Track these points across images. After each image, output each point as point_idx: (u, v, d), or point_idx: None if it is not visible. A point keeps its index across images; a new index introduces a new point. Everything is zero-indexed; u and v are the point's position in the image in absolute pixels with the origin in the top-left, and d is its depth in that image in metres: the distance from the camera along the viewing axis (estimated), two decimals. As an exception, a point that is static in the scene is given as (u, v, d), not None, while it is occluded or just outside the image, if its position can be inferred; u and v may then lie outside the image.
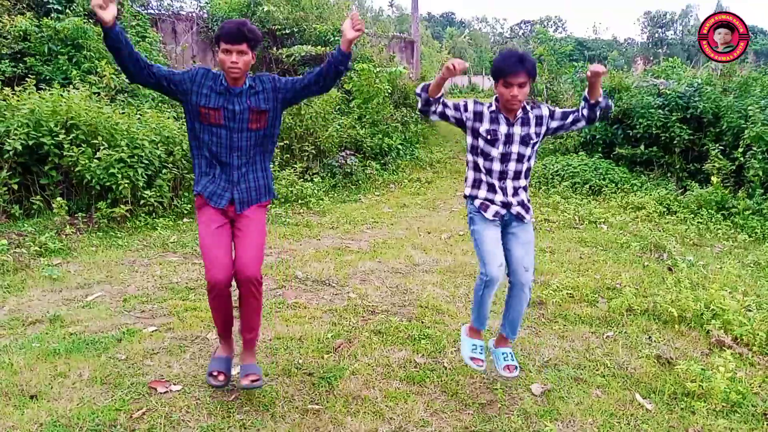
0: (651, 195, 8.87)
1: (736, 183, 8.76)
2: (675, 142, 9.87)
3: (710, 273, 5.58)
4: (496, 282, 3.29)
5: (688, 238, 7.18)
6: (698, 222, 7.82)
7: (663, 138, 10.05)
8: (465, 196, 3.46)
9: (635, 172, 10.21)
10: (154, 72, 3.12)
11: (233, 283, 3.22)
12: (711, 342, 4.14)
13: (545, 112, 3.33)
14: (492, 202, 3.32)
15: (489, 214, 3.31)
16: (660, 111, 10.13)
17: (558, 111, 3.37)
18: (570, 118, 3.33)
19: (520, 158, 3.28)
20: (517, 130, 3.25)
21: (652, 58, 30.37)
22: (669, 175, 9.95)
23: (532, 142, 3.28)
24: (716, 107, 9.70)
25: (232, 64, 3.02)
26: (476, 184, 3.37)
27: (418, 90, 3.27)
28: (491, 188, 3.32)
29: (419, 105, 3.30)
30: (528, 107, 3.30)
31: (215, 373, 3.28)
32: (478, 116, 3.28)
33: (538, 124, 3.29)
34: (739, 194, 8.26)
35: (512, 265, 3.38)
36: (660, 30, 63.68)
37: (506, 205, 3.32)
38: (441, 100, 3.25)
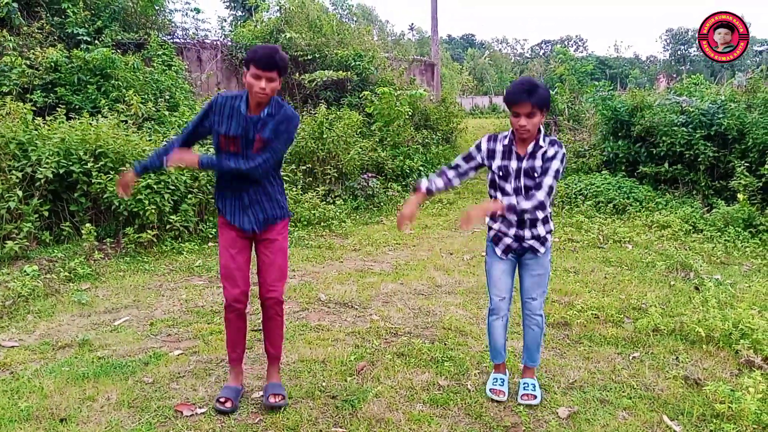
0: (676, 213, 8.76)
1: (764, 200, 8.62)
2: (699, 159, 9.75)
3: (738, 292, 5.48)
4: (498, 311, 3.49)
5: (715, 256, 7.07)
6: (725, 240, 7.70)
7: (687, 155, 9.95)
8: (488, 226, 3.54)
9: (660, 190, 10.10)
10: (191, 135, 3.33)
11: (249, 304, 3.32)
12: (740, 362, 4.06)
13: (551, 152, 3.24)
14: (505, 234, 3.39)
15: (499, 250, 3.43)
16: (683, 128, 10.04)
17: (551, 164, 3.21)
18: (537, 179, 3.25)
19: (527, 191, 3.27)
20: (524, 164, 3.26)
21: (674, 76, 30.16)
22: (694, 192, 9.81)
23: (535, 174, 3.24)
24: (741, 124, 9.58)
25: (260, 90, 3.08)
26: (493, 216, 3.42)
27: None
28: (506, 221, 3.37)
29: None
30: (544, 142, 3.26)
31: (222, 399, 3.40)
32: (491, 153, 3.35)
33: (546, 159, 3.24)
34: (766, 211, 8.12)
35: (522, 295, 3.52)
36: (682, 47, 63.26)
37: (519, 239, 3.36)
38: (448, 169, 3.47)
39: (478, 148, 3.39)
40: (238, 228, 3.32)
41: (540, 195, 3.16)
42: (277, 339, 3.55)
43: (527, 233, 3.35)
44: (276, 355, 3.58)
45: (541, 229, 3.37)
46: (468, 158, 3.44)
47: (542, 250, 3.40)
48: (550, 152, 3.24)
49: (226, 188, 3.32)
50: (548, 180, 3.19)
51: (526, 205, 3.16)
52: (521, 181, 3.28)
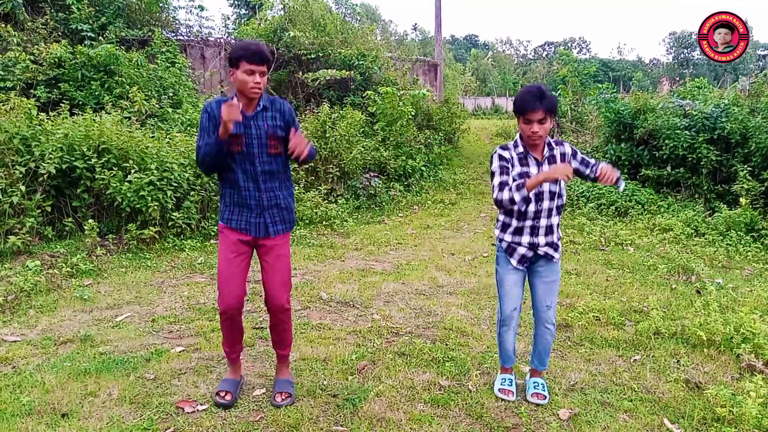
0: (678, 216, 8.76)
1: (766, 204, 8.62)
2: (702, 163, 9.76)
3: (740, 296, 5.48)
4: (510, 322, 3.49)
5: (717, 260, 7.07)
6: (727, 244, 7.70)
7: (690, 159, 9.95)
8: (497, 238, 3.52)
9: (662, 193, 10.10)
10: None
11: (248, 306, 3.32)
12: (741, 366, 4.06)
13: (568, 150, 3.39)
14: (519, 244, 3.38)
15: (514, 261, 3.41)
16: (686, 132, 10.04)
17: (579, 154, 3.40)
18: (587, 171, 3.35)
19: (552, 196, 3.31)
20: (545, 168, 3.27)
21: (678, 79, 30.14)
22: (696, 196, 9.82)
23: (558, 181, 3.30)
24: (744, 128, 9.58)
25: (256, 85, 3.09)
26: (505, 227, 3.43)
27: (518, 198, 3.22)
28: (519, 231, 3.37)
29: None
30: (553, 144, 3.36)
31: (222, 393, 3.45)
32: (510, 162, 3.31)
33: (564, 161, 3.32)
34: (768, 216, 8.12)
35: (535, 303, 3.50)
36: (685, 50, 63.20)
37: (534, 246, 3.36)
38: (514, 184, 3.26)
39: (501, 158, 3.28)
40: (244, 233, 3.30)
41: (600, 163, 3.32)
42: (285, 342, 3.59)
43: (542, 240, 3.35)
44: (285, 355, 3.62)
45: (555, 235, 3.39)
46: (507, 170, 3.28)
47: (557, 256, 3.41)
48: (567, 149, 3.36)
49: (241, 197, 3.26)
50: (592, 160, 3.38)
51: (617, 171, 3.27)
52: (542, 186, 3.28)
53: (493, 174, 3.29)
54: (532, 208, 3.30)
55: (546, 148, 3.31)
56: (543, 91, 3.16)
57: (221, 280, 3.30)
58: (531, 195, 3.25)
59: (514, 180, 3.23)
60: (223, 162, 3.19)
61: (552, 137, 3.36)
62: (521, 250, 3.38)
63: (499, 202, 3.21)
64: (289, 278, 3.43)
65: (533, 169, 3.27)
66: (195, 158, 3.44)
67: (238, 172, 3.23)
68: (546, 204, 3.31)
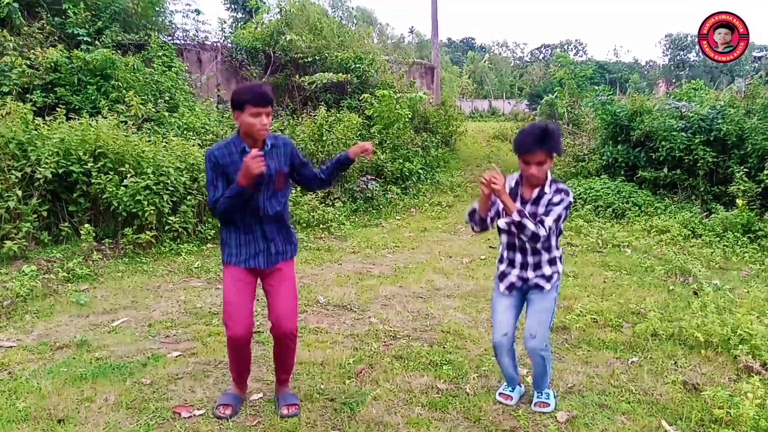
0: (675, 218, 8.77)
1: (762, 205, 8.64)
2: (699, 164, 9.78)
3: (737, 297, 5.49)
4: (500, 348, 3.45)
5: (714, 261, 7.07)
6: (724, 245, 7.71)
7: (686, 160, 9.97)
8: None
9: (659, 195, 10.12)
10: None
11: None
12: (739, 368, 4.05)
13: (556, 200, 3.19)
14: (509, 273, 3.37)
15: (502, 287, 3.40)
16: (683, 134, 10.06)
17: (555, 209, 3.16)
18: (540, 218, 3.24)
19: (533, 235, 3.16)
20: (527, 208, 3.20)
21: (674, 81, 30.22)
22: (693, 197, 9.83)
23: (537, 220, 3.15)
24: (740, 129, 9.61)
25: (262, 126, 3.08)
26: (500, 256, 3.43)
27: (466, 218, 3.32)
28: (510, 263, 3.36)
29: (476, 229, 3.35)
30: (550, 189, 3.20)
31: (222, 407, 3.39)
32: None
33: (549, 205, 3.19)
34: (765, 217, 8.14)
35: (525, 331, 3.41)
36: (682, 52, 63.34)
37: (523, 279, 3.34)
38: (491, 214, 3.27)
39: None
40: (251, 267, 3.27)
41: (540, 230, 3.09)
42: (289, 366, 3.53)
43: (531, 274, 3.32)
44: (286, 379, 3.56)
45: (546, 270, 3.31)
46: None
47: (547, 286, 3.32)
48: (555, 199, 3.18)
49: (246, 233, 3.24)
50: (548, 221, 3.13)
51: (529, 224, 3.06)
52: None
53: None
54: (517, 242, 3.28)
55: (538, 190, 3.19)
56: (546, 131, 3.03)
57: (228, 310, 3.24)
58: (513, 230, 3.19)
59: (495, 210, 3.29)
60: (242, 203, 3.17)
61: (556, 180, 3.24)
62: (511, 279, 3.35)
63: (468, 222, 3.33)
64: (295, 303, 3.39)
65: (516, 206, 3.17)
66: (209, 208, 3.42)
67: (249, 210, 3.20)
68: (527, 244, 3.24)
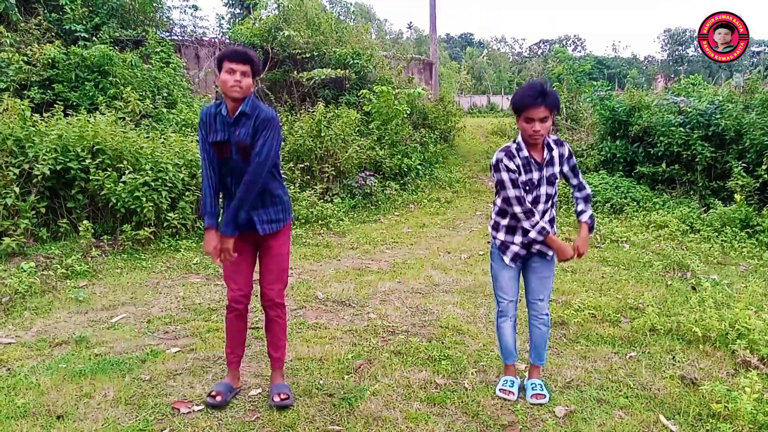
0: (673, 213, 8.78)
1: (761, 200, 8.65)
2: (697, 159, 9.78)
3: (735, 292, 5.50)
4: (507, 313, 3.49)
5: (712, 256, 7.08)
6: (722, 240, 7.72)
7: (685, 156, 9.98)
8: (491, 236, 3.52)
9: (657, 190, 10.13)
10: (212, 164, 3.25)
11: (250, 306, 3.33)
12: (736, 362, 4.07)
13: (566, 152, 3.35)
14: (512, 243, 3.38)
15: (507, 258, 3.41)
16: (681, 129, 10.06)
17: (573, 160, 3.37)
18: (573, 181, 3.38)
19: (548, 198, 3.31)
20: (545, 173, 3.26)
21: (672, 76, 30.20)
22: (691, 193, 9.84)
23: (555, 180, 3.32)
24: (738, 124, 9.61)
25: (235, 83, 3.04)
26: (498, 226, 3.43)
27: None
28: (512, 230, 3.37)
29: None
30: (552, 144, 3.30)
31: (213, 393, 3.44)
32: (519, 170, 3.24)
33: (561, 162, 3.32)
34: (763, 212, 8.14)
35: (528, 296, 3.49)
36: (680, 47, 63.31)
37: (527, 246, 3.36)
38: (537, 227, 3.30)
39: (509, 169, 3.21)
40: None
41: (588, 190, 3.37)
42: (280, 342, 3.55)
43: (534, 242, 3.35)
44: (279, 358, 3.58)
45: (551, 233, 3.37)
46: (516, 182, 3.23)
47: (551, 253, 3.40)
48: (565, 151, 3.30)
49: (231, 200, 3.27)
50: (582, 177, 3.35)
51: (590, 210, 3.36)
52: (542, 189, 3.29)
53: (502, 184, 3.22)
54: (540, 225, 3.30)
55: (545, 150, 3.27)
56: (545, 88, 3.08)
57: (226, 274, 3.39)
58: (530, 199, 3.27)
59: (524, 192, 3.24)
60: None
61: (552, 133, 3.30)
62: (514, 248, 3.38)
63: (514, 215, 3.25)
64: (282, 274, 3.42)
65: (536, 175, 3.25)
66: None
67: (227, 177, 3.26)
68: (541, 207, 3.31)
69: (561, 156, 3.32)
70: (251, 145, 3.11)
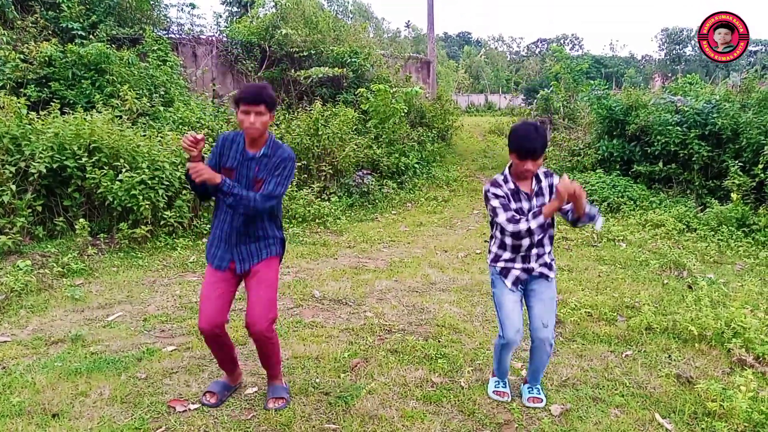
0: (670, 212, 8.80)
1: (757, 200, 8.66)
2: (694, 158, 9.80)
3: (731, 291, 5.51)
4: (512, 345, 3.40)
5: (709, 255, 7.10)
6: (718, 239, 7.73)
7: (681, 155, 9.99)
8: (490, 264, 3.48)
9: (654, 189, 10.14)
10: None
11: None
12: (732, 361, 4.08)
13: (556, 181, 3.28)
14: (512, 267, 3.35)
15: (509, 282, 3.37)
16: (678, 128, 10.07)
17: None
18: (566, 206, 3.23)
19: (542, 228, 3.22)
20: (534, 203, 3.25)
21: (670, 75, 30.23)
22: (688, 192, 9.86)
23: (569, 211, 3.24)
24: (735, 123, 9.63)
25: (250, 125, 3.12)
26: (497, 258, 3.40)
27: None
28: (511, 259, 3.35)
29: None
30: (541, 176, 3.28)
31: (208, 394, 3.46)
32: (506, 198, 3.27)
33: (550, 193, 3.27)
34: (760, 211, 8.16)
35: (532, 321, 3.40)
36: (677, 46, 63.34)
37: (528, 270, 3.34)
38: (531, 213, 3.24)
39: (498, 195, 3.24)
40: (217, 269, 3.32)
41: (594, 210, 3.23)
42: (272, 363, 3.49)
43: (534, 265, 3.33)
44: (274, 374, 3.54)
45: (548, 258, 3.35)
46: (507, 206, 3.24)
47: (552, 274, 3.37)
48: (555, 180, 3.27)
49: (218, 227, 3.31)
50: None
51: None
52: None
53: (495, 211, 3.23)
54: (525, 242, 3.27)
55: (534, 181, 3.26)
56: (540, 132, 3.10)
57: (200, 302, 3.31)
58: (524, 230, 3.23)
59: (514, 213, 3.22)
60: (202, 191, 3.25)
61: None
62: (515, 272, 3.34)
63: (517, 234, 3.19)
64: (270, 305, 3.28)
65: (525, 205, 3.24)
66: None
67: (222, 206, 3.27)
68: (536, 238, 3.27)
69: (550, 186, 3.29)
70: (264, 179, 3.22)
